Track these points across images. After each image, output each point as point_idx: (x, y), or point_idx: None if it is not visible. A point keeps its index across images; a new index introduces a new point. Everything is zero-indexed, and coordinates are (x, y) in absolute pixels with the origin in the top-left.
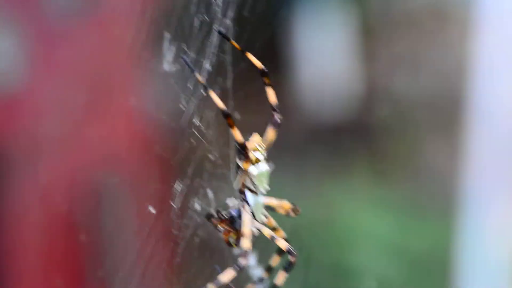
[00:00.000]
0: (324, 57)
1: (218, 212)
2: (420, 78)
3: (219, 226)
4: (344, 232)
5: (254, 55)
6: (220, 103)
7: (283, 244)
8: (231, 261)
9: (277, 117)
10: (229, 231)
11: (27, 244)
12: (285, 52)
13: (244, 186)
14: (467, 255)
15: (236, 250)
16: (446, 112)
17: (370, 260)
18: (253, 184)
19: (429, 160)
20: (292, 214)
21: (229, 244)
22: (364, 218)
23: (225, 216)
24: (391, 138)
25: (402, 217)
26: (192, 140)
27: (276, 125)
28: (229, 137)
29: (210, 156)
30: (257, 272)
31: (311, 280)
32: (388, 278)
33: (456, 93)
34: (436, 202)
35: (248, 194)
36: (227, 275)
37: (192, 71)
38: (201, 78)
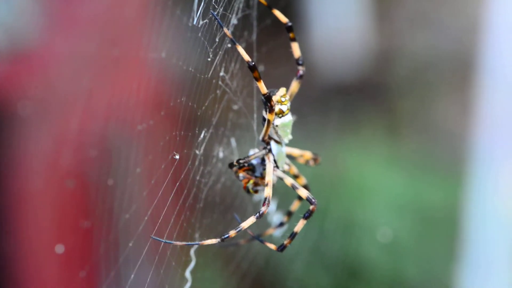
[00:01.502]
0: (339, 16)
1: (239, 160)
2: (434, 38)
3: (240, 173)
4: (356, 186)
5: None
6: (246, 57)
7: (303, 193)
8: (251, 207)
9: (301, 70)
10: (248, 179)
11: (38, 194)
12: (302, 10)
13: (269, 136)
14: (476, 210)
15: (255, 197)
16: (458, 72)
17: (381, 214)
18: (277, 134)
19: (441, 118)
20: (312, 163)
21: (248, 191)
22: (376, 173)
23: (246, 165)
24: (404, 96)
25: (413, 173)
26: (217, 91)
27: (300, 78)
28: (253, 89)
29: (234, 106)
30: (277, 217)
31: (327, 230)
32: (398, 231)
33: (469, 53)
34: (447, 159)
35: (273, 144)
36: (248, 222)
37: (221, 26)
38: (229, 33)
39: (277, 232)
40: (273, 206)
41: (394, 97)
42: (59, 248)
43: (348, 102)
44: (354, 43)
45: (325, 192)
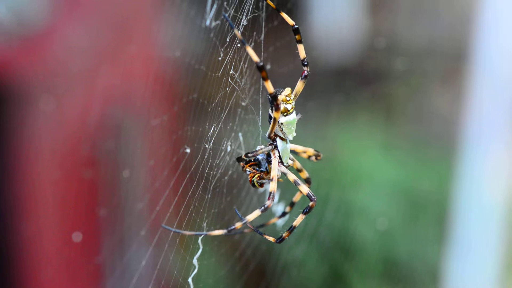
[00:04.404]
0: (338, 7)
1: (247, 155)
2: (429, 28)
3: (247, 168)
4: (353, 172)
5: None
6: (255, 57)
7: (304, 190)
8: (256, 198)
9: (306, 70)
10: (254, 173)
11: (45, 175)
12: (303, 1)
13: (275, 133)
14: (466, 195)
15: (260, 190)
16: (452, 61)
17: (374, 199)
18: (282, 131)
19: (432, 106)
20: (314, 159)
21: (253, 185)
22: (372, 159)
23: (253, 160)
24: (396, 84)
25: (405, 159)
26: (227, 88)
27: (304, 78)
28: (260, 86)
29: (242, 103)
30: (280, 208)
31: (326, 215)
32: (391, 215)
33: (462, 43)
34: (438, 146)
35: (278, 140)
36: (253, 215)
37: (232, 28)
38: (239, 34)
39: (279, 221)
40: (276, 197)
41: (391, 85)
42: (76, 236)
43: (345, 89)
44: (352, 33)
45: (324, 179)
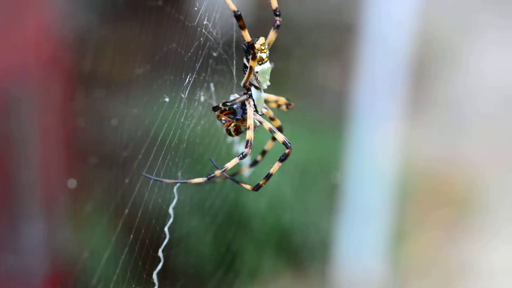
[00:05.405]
0: None
1: (224, 104)
2: (316, 3)
3: (222, 117)
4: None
5: None
6: (233, 7)
7: (280, 137)
8: (225, 146)
9: (278, 20)
10: (230, 122)
11: (49, 131)
12: None
13: (250, 82)
14: (356, 166)
15: (229, 138)
16: (339, 35)
17: (265, 171)
18: (257, 80)
19: (322, 79)
20: (284, 108)
21: (229, 133)
22: (260, 132)
23: (227, 109)
24: (285, 59)
25: (296, 131)
26: (201, 38)
27: (276, 28)
28: (232, 37)
29: (213, 53)
30: (246, 160)
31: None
32: (282, 187)
33: (349, 17)
34: (329, 118)
35: (253, 89)
36: (231, 162)
37: None
38: None
39: (246, 172)
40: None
41: (280, 59)
42: (71, 183)
43: (224, 61)
44: (240, 7)
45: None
